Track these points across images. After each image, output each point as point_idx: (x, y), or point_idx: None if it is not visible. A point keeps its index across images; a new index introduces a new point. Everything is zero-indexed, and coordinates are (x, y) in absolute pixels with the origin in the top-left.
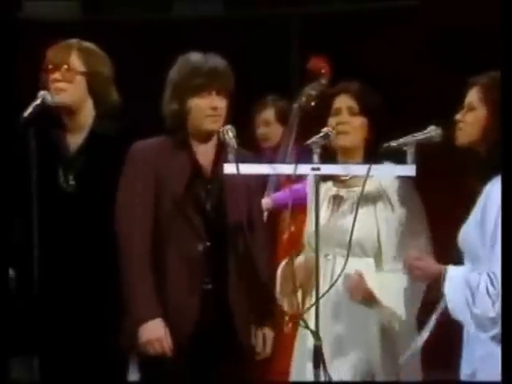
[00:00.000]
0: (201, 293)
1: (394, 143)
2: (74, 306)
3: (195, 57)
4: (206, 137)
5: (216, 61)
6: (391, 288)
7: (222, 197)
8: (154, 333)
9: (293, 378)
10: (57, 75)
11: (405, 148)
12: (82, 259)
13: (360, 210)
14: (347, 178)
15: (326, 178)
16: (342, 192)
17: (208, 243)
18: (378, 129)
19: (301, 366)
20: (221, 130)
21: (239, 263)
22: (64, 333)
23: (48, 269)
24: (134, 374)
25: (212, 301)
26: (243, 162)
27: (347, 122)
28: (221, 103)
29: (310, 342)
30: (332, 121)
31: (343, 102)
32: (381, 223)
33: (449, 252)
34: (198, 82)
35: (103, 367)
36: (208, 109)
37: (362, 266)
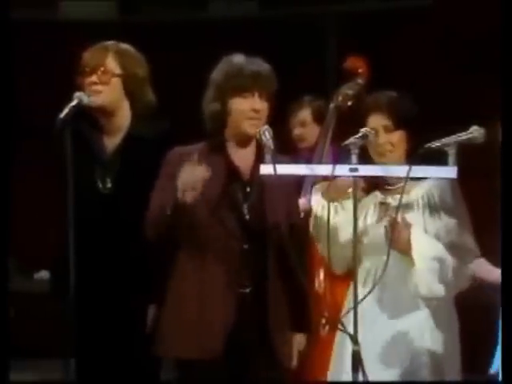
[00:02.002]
0: (238, 296)
1: (435, 144)
2: (111, 309)
3: (239, 58)
4: (245, 139)
5: (260, 64)
6: (430, 253)
7: (260, 199)
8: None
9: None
10: (93, 78)
11: (446, 149)
12: (119, 261)
13: (409, 218)
14: (393, 187)
15: (371, 188)
16: (390, 199)
17: (245, 246)
18: (417, 136)
19: (339, 370)
20: (257, 130)
21: (277, 266)
22: (100, 335)
23: (84, 271)
24: (168, 377)
25: (249, 304)
26: (280, 162)
27: (385, 142)
28: (262, 106)
29: (350, 345)
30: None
31: (377, 121)
32: (430, 231)
33: (495, 255)
34: (241, 82)
35: (137, 369)
36: (249, 111)
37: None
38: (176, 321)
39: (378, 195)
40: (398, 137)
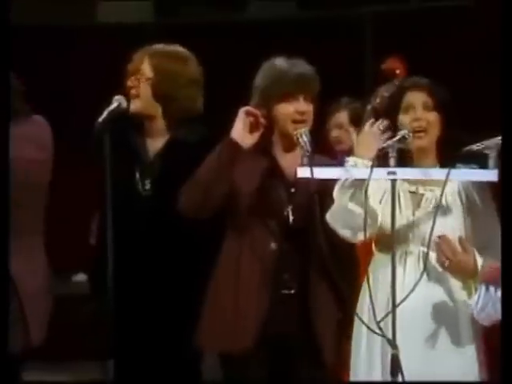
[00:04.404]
0: (281, 296)
1: (475, 146)
2: (150, 310)
3: (281, 62)
4: (291, 142)
5: (303, 66)
6: None
7: (305, 200)
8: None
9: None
10: (129, 82)
11: (486, 151)
12: (156, 262)
13: (448, 213)
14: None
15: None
16: (422, 190)
17: (286, 246)
18: (449, 125)
19: (357, 367)
20: (295, 133)
21: (322, 267)
22: (138, 336)
23: (122, 273)
24: (208, 375)
25: (294, 305)
26: (320, 163)
27: (423, 118)
28: (307, 108)
29: (364, 342)
30: (405, 118)
31: (416, 97)
32: (467, 226)
33: None
34: (285, 88)
35: (177, 369)
36: (295, 113)
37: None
38: (213, 315)
39: (403, 183)
40: (433, 118)
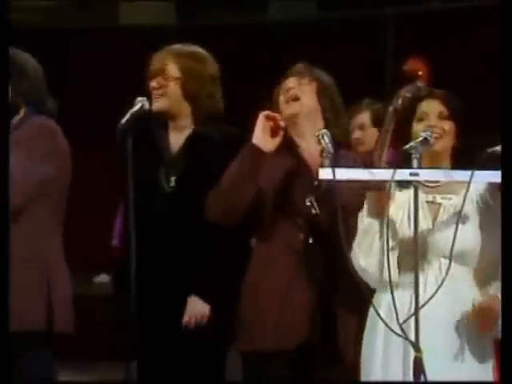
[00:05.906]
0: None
1: (499, 148)
2: (173, 309)
3: None
4: (297, 126)
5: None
6: None
7: (329, 193)
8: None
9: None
10: (154, 83)
11: None
12: (181, 261)
13: (466, 221)
14: (434, 184)
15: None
16: (439, 199)
17: (311, 240)
18: (463, 134)
19: (372, 365)
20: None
21: (343, 266)
22: (161, 337)
23: (146, 272)
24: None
25: (317, 308)
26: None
27: (438, 125)
28: (295, 84)
29: (380, 340)
30: (419, 126)
31: (431, 106)
32: (485, 234)
33: None
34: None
35: (200, 370)
36: (284, 92)
37: (462, 275)
38: (253, 315)
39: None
40: (449, 126)
